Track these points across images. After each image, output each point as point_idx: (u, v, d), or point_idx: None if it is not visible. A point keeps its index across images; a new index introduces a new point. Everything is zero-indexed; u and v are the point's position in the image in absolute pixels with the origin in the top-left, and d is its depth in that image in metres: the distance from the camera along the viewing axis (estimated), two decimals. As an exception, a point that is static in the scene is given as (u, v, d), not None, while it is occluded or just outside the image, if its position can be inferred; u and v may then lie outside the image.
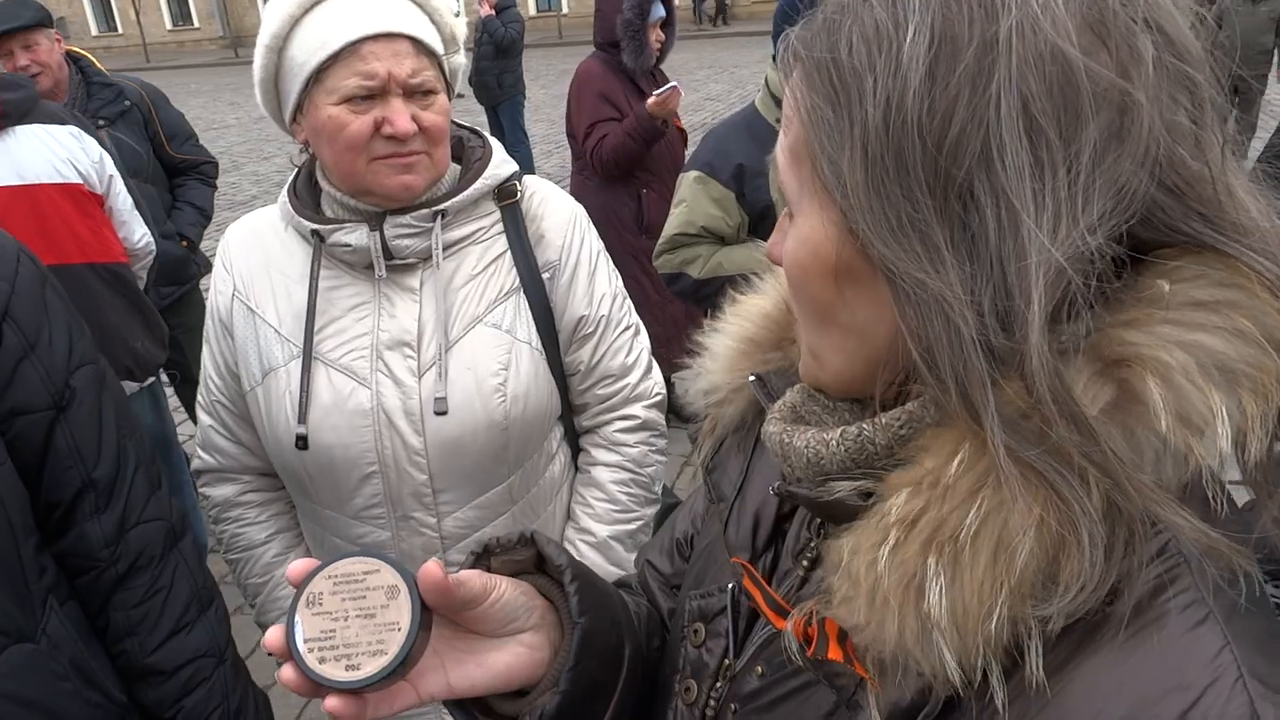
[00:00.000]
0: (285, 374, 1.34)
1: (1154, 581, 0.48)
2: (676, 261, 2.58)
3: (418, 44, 1.26)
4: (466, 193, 1.35)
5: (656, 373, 1.56)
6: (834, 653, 0.58)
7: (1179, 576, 0.48)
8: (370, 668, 0.62)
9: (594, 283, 1.44)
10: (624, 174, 3.60)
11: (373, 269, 1.33)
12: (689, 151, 3.05)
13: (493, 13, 8.28)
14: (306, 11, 1.25)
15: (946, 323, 0.48)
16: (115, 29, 38.06)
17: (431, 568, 0.64)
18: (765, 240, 0.66)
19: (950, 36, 0.49)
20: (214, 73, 26.34)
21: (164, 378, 3.21)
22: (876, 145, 0.50)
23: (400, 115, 1.24)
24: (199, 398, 1.48)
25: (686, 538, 0.95)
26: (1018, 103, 0.48)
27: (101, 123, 3.10)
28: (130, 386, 2.73)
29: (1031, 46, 0.48)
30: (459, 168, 1.41)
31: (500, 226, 1.40)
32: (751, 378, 0.73)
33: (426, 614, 0.65)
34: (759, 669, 0.69)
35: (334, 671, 0.62)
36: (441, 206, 1.33)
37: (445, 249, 1.35)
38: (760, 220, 2.50)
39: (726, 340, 0.78)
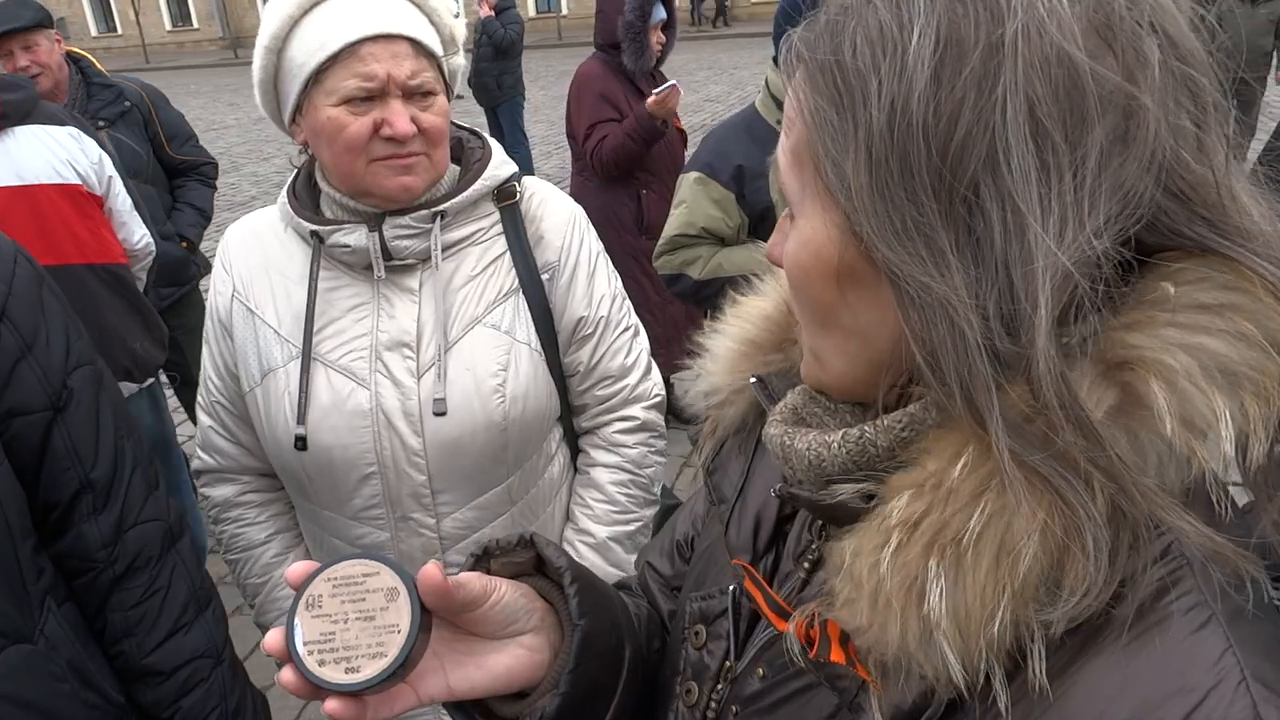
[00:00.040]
0: (284, 375, 1.34)
1: (1157, 584, 0.48)
2: (676, 262, 2.58)
3: (417, 45, 1.26)
4: (466, 194, 1.35)
5: (656, 374, 1.56)
6: (836, 655, 0.58)
7: (1182, 579, 0.48)
8: (370, 670, 0.62)
9: (593, 284, 1.44)
10: (624, 175, 3.60)
11: (372, 270, 1.33)
12: (689, 152, 3.05)
13: (492, 14, 8.29)
14: (305, 13, 1.25)
15: (951, 327, 0.48)
16: (115, 30, 38.08)
17: (431, 570, 0.64)
18: (765, 241, 0.66)
19: (956, 39, 0.49)
20: (213, 73, 26.35)
21: (164, 379, 3.21)
22: (881, 148, 0.50)
23: (399, 117, 1.24)
24: (199, 398, 1.48)
25: (687, 539, 0.94)
26: (1024, 106, 0.48)
27: (101, 123, 3.10)
28: (129, 387, 2.73)
29: (1037, 50, 0.48)
30: (458, 169, 1.41)
31: (499, 227, 1.40)
32: (752, 379, 0.72)
33: (426, 616, 0.65)
34: (760, 671, 0.68)
35: (333, 674, 0.62)
36: (441, 207, 1.33)
37: (444, 250, 1.35)
38: (760, 221, 2.50)
39: (727, 342, 0.78)
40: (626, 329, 1.49)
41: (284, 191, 1.41)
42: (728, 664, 0.74)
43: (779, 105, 2.46)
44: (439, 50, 1.31)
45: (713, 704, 0.74)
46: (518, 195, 1.42)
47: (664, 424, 1.57)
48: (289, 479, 1.43)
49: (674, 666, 0.80)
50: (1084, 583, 0.46)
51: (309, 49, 1.24)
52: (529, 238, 1.41)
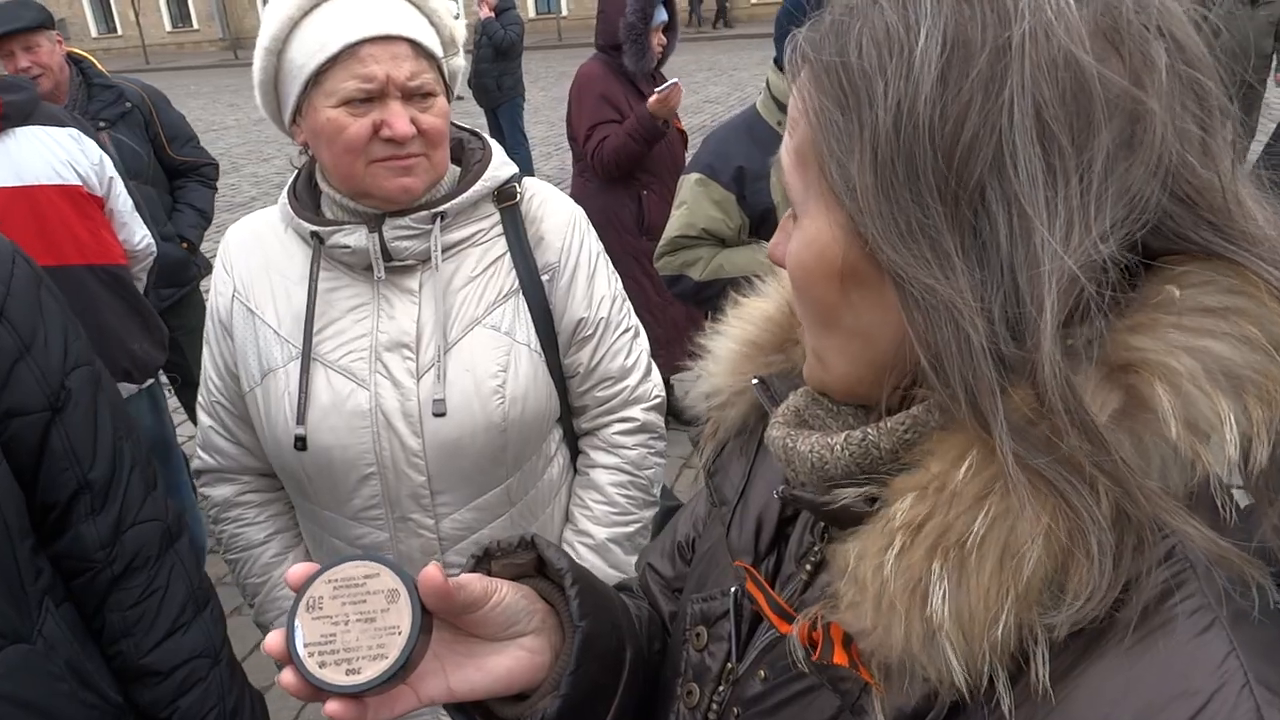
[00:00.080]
0: (284, 375, 1.34)
1: (1161, 587, 0.48)
2: (677, 263, 2.58)
3: (416, 46, 1.26)
4: (466, 195, 1.35)
5: (656, 375, 1.56)
6: (839, 657, 0.58)
7: (1185, 582, 0.48)
8: (371, 672, 0.62)
9: (593, 285, 1.44)
10: (624, 176, 3.61)
11: (372, 271, 1.33)
12: (689, 154, 3.05)
13: (492, 15, 8.29)
14: (305, 14, 1.25)
15: (956, 329, 0.48)
16: (115, 30, 38.09)
17: (432, 571, 0.64)
18: (767, 242, 0.66)
19: (963, 41, 0.49)
20: (213, 74, 26.36)
21: (164, 379, 3.21)
22: (887, 149, 0.50)
23: (399, 118, 1.24)
24: (199, 398, 1.48)
25: (688, 541, 0.94)
26: (1030, 109, 0.47)
27: (102, 124, 3.10)
28: (129, 388, 2.73)
29: (1045, 52, 0.48)
30: (459, 170, 1.41)
31: (500, 229, 1.40)
32: (754, 380, 0.72)
33: (427, 618, 0.65)
34: (762, 673, 0.68)
35: (334, 675, 0.62)
36: (441, 208, 1.33)
37: (444, 251, 1.35)
38: (761, 223, 2.50)
39: (728, 343, 0.78)
40: (626, 330, 1.49)
41: (284, 192, 1.41)
42: (729, 666, 0.73)
43: (780, 107, 2.46)
44: (439, 51, 1.31)
45: (714, 705, 0.74)
46: (518, 196, 1.42)
47: (664, 425, 1.57)
48: (288, 479, 1.43)
49: (675, 668, 0.80)
50: (1088, 586, 0.46)
51: (309, 50, 1.24)
52: (529, 239, 1.41)
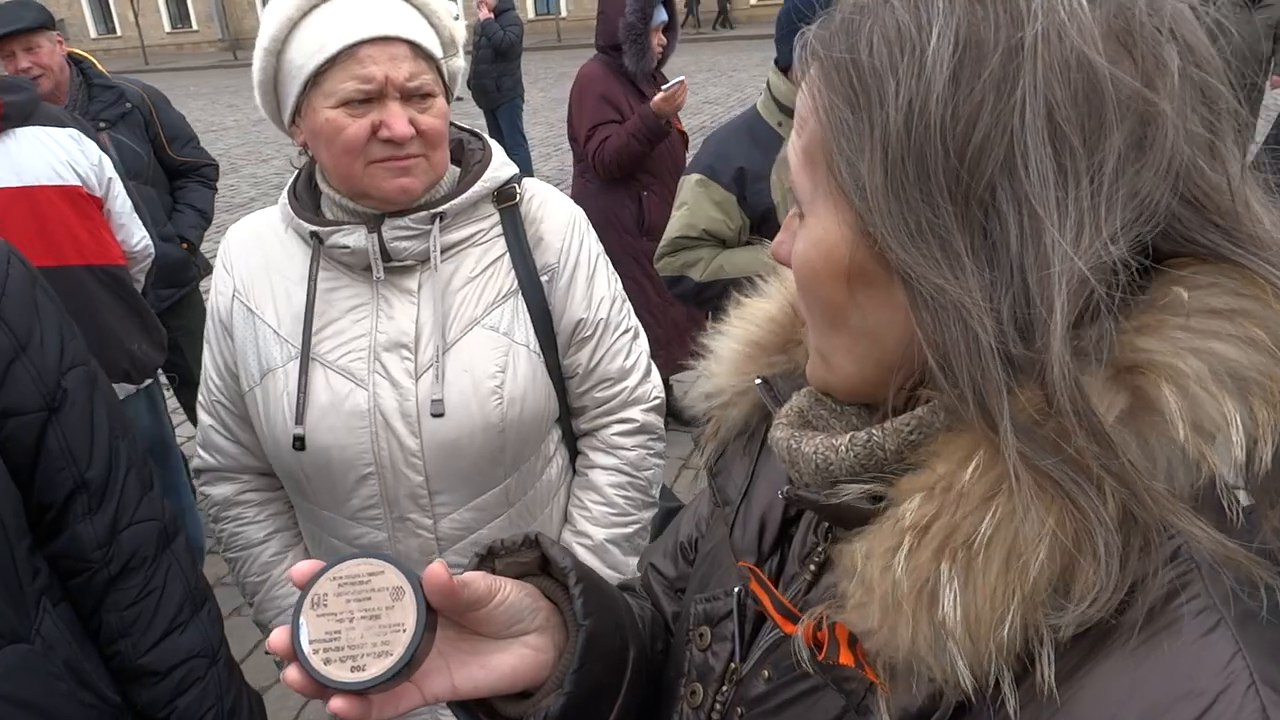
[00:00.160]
0: (283, 375, 1.34)
1: (1167, 587, 0.48)
2: (678, 264, 2.58)
3: (415, 47, 1.26)
4: (465, 195, 1.35)
5: (655, 376, 1.55)
6: (845, 657, 0.58)
7: (1191, 582, 0.48)
8: (375, 669, 0.62)
9: (593, 286, 1.44)
10: (625, 177, 3.61)
11: (371, 271, 1.33)
12: (690, 154, 3.05)
13: (491, 16, 8.30)
14: (305, 15, 1.25)
15: (965, 329, 0.48)
16: (114, 31, 38.11)
17: (437, 569, 0.64)
18: (769, 243, 0.66)
19: (975, 41, 0.49)
20: (213, 75, 26.37)
21: (163, 379, 3.20)
22: (897, 149, 0.50)
23: (397, 119, 1.24)
24: (199, 397, 1.48)
25: (690, 541, 0.94)
26: (1042, 110, 0.47)
27: (102, 125, 3.10)
28: (127, 389, 2.73)
29: (1057, 53, 0.48)
30: (458, 170, 1.41)
31: (499, 229, 1.40)
32: (757, 381, 0.72)
33: (431, 615, 0.65)
34: (766, 673, 0.68)
35: (339, 672, 0.62)
36: (440, 209, 1.33)
37: (444, 251, 1.35)
38: (761, 223, 2.50)
39: (731, 343, 0.78)
40: (626, 331, 1.49)
41: (284, 192, 1.41)
42: (733, 666, 0.73)
43: (780, 108, 2.46)
44: (438, 52, 1.31)
45: (717, 705, 0.74)
46: (518, 197, 1.42)
47: (663, 427, 1.57)
48: (287, 478, 1.43)
49: (678, 668, 0.80)
50: (1094, 587, 0.46)
51: (308, 51, 1.24)
52: (529, 239, 1.41)
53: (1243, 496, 0.50)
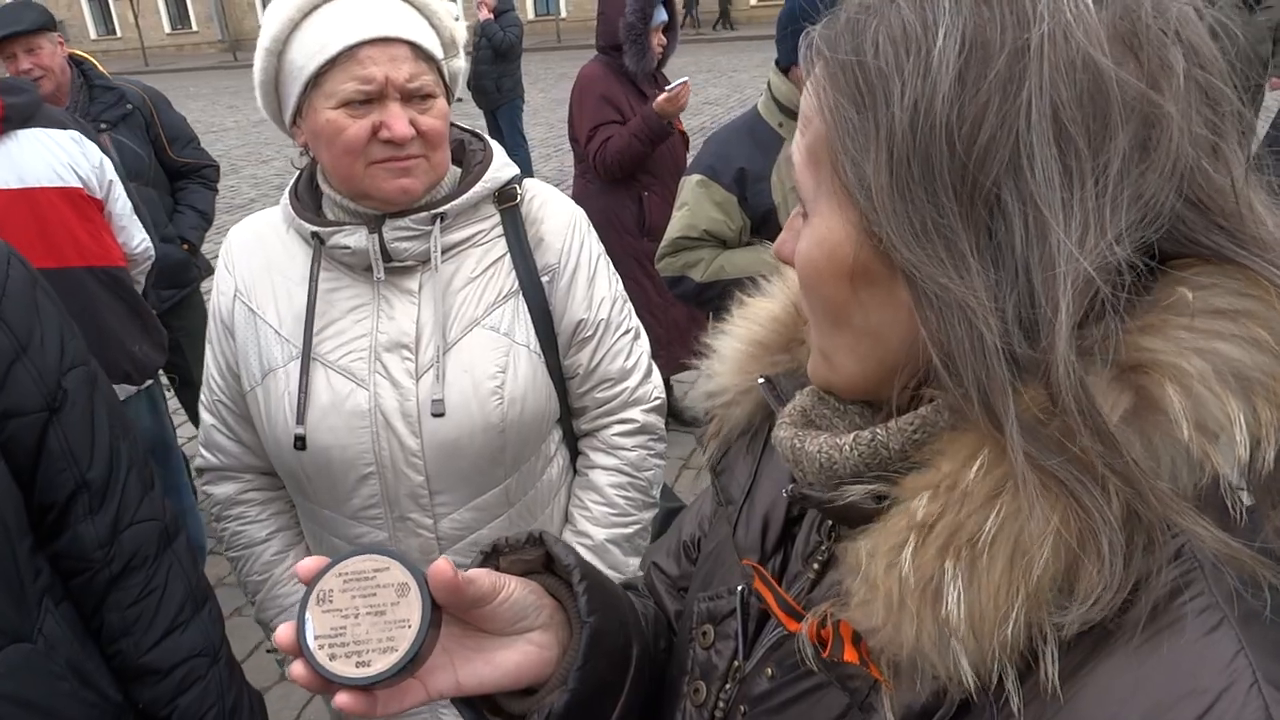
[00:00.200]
0: (284, 375, 1.35)
1: (1170, 586, 0.48)
2: (678, 265, 2.58)
3: (416, 48, 1.26)
4: (466, 196, 1.35)
5: (656, 376, 1.56)
6: (850, 655, 0.58)
7: (1194, 581, 0.48)
8: (380, 664, 0.62)
9: (593, 286, 1.44)
10: (626, 177, 3.61)
11: (372, 271, 1.33)
12: (690, 155, 3.05)
13: (491, 17, 8.31)
14: (306, 16, 1.25)
15: (970, 329, 0.48)
16: (114, 32, 38.13)
17: (442, 565, 0.64)
18: (770, 244, 0.66)
19: (981, 42, 0.49)
20: (212, 76, 26.38)
21: (164, 380, 3.20)
22: (903, 148, 0.50)
23: (397, 120, 1.24)
24: (202, 397, 1.49)
25: (693, 540, 0.95)
26: (1048, 111, 0.48)
27: (103, 126, 3.10)
28: (128, 389, 2.73)
29: (1063, 54, 0.48)
30: (459, 171, 1.41)
31: (500, 230, 1.40)
32: (760, 380, 0.72)
33: (436, 611, 0.65)
34: (769, 671, 0.68)
35: (344, 668, 0.62)
36: (441, 209, 1.33)
37: (444, 252, 1.35)
38: (762, 224, 2.51)
39: (734, 342, 0.78)
40: (627, 332, 1.49)
41: (286, 193, 1.41)
42: (736, 664, 0.73)
43: (781, 108, 2.47)
44: (439, 53, 1.31)
45: (720, 704, 0.74)
46: (518, 197, 1.42)
47: (664, 427, 1.57)
48: (289, 478, 1.43)
49: (681, 666, 0.80)
50: (1098, 586, 0.46)
51: (308, 52, 1.24)
52: (529, 240, 1.41)
53: (1246, 497, 0.50)
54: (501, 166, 1.40)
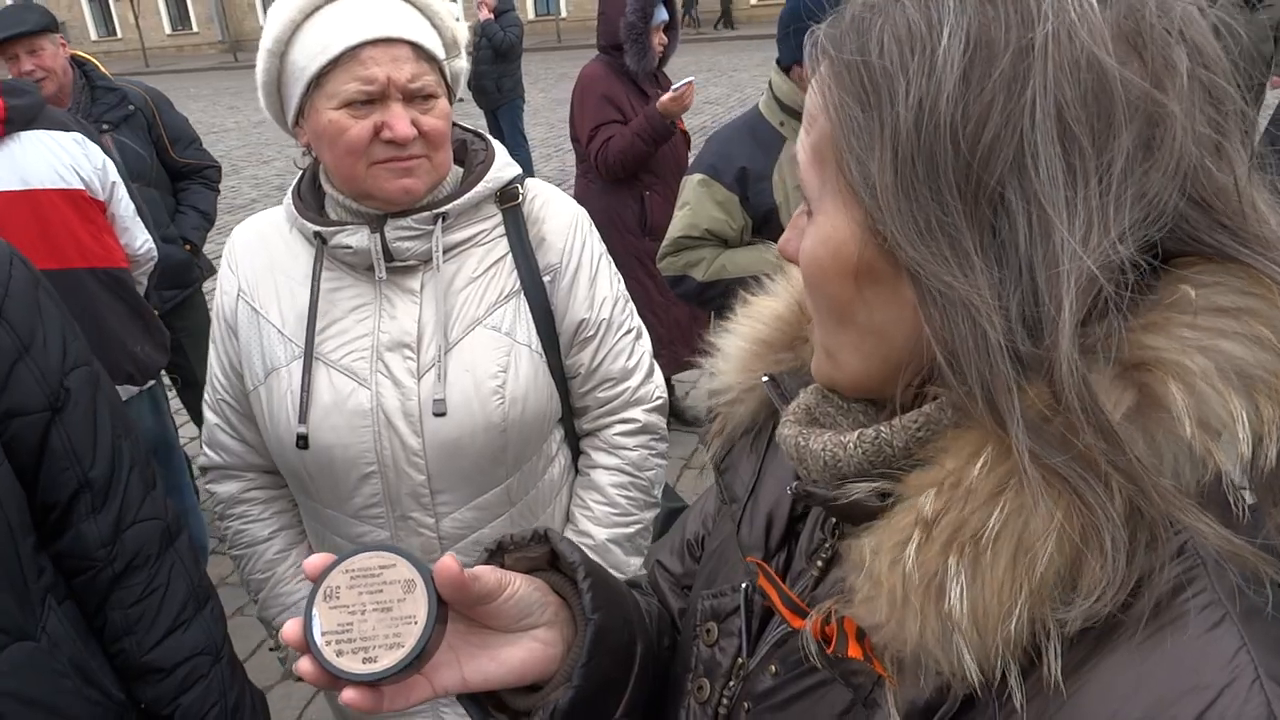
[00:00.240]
0: (287, 374, 1.35)
1: (1173, 582, 0.48)
2: (680, 264, 2.59)
3: (417, 49, 1.26)
4: (467, 196, 1.35)
5: (658, 376, 1.56)
6: (854, 651, 0.58)
7: (1196, 577, 0.48)
8: (387, 660, 0.62)
9: (595, 286, 1.44)
10: (628, 177, 3.61)
11: (374, 271, 1.33)
12: (692, 154, 3.05)
13: (491, 17, 8.31)
14: (308, 16, 1.26)
15: (974, 327, 0.48)
16: (114, 33, 38.16)
17: (448, 562, 0.64)
18: (773, 242, 0.66)
19: (986, 41, 0.49)
20: (213, 77, 26.39)
21: (166, 380, 3.21)
22: (907, 147, 0.50)
23: (399, 120, 1.24)
24: (206, 395, 1.49)
25: (697, 538, 0.95)
26: (1052, 110, 0.48)
27: (105, 127, 3.10)
28: (130, 390, 2.73)
29: (1068, 53, 0.48)
30: (461, 171, 1.41)
31: (502, 229, 1.40)
32: (765, 378, 0.73)
33: (442, 608, 0.65)
34: (773, 668, 0.69)
35: (351, 664, 0.62)
36: (442, 209, 1.33)
37: (446, 251, 1.35)
38: (764, 223, 2.51)
39: (738, 341, 0.78)
40: (628, 331, 1.49)
41: (289, 193, 1.42)
42: (740, 661, 0.74)
43: (782, 107, 2.47)
44: (440, 53, 1.31)
45: (724, 701, 0.74)
46: (520, 197, 1.42)
47: (665, 426, 1.57)
48: (291, 477, 1.43)
49: (685, 664, 0.80)
50: (1101, 582, 0.46)
51: (310, 52, 1.24)
52: (531, 239, 1.41)
53: (1248, 494, 0.50)
54: (503, 166, 1.40)
